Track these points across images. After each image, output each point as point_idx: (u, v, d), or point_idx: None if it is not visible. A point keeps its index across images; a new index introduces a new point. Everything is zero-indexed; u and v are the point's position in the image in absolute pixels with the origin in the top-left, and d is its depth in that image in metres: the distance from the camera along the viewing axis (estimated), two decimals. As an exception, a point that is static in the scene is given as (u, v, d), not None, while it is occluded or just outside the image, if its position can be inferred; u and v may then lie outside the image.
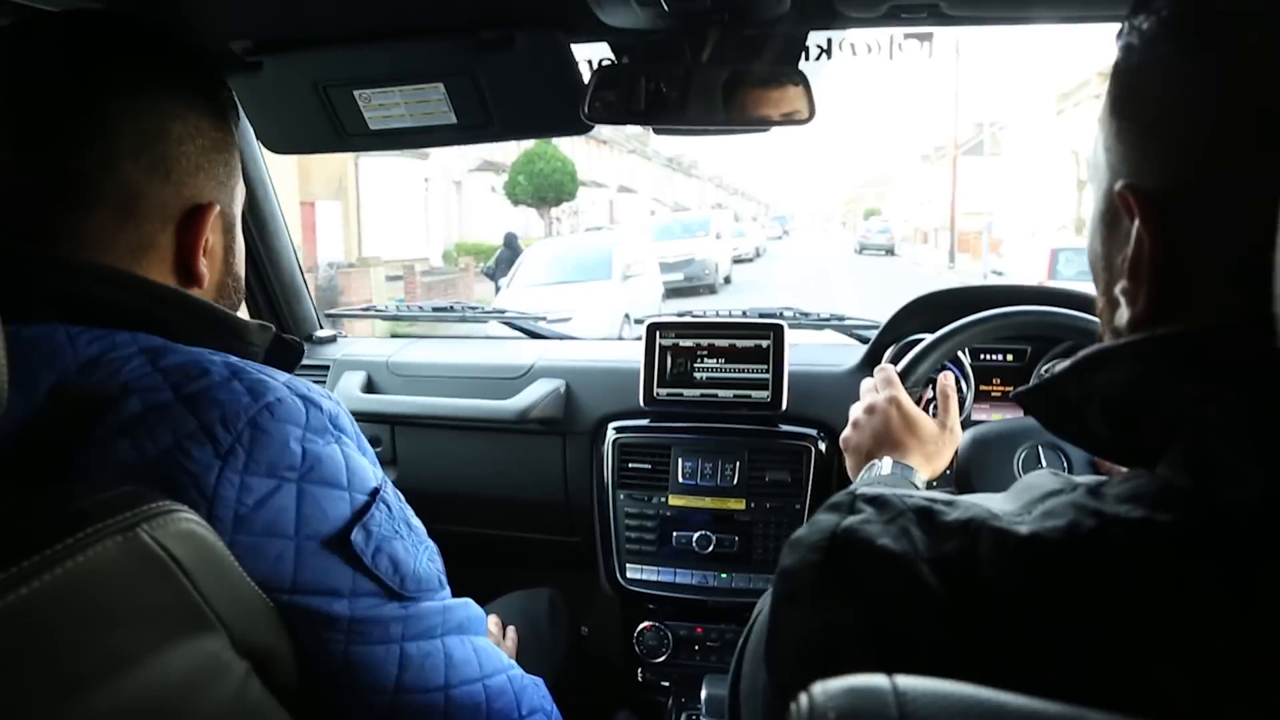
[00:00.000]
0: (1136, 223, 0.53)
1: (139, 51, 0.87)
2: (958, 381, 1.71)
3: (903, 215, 59.58)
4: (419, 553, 0.88)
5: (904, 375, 1.36)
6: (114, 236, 0.84)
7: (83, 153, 0.82)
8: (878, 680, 0.42)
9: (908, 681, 0.42)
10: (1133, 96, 0.55)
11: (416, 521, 0.91)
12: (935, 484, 1.28)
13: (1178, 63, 0.51)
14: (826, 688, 0.42)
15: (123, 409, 0.74)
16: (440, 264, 23.28)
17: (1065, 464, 1.31)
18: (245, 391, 0.78)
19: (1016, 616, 0.47)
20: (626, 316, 11.08)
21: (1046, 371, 0.60)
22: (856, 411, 1.29)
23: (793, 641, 0.55)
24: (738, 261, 28.06)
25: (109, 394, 0.74)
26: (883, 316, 1.93)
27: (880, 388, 1.29)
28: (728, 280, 22.91)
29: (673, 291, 18.19)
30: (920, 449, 1.22)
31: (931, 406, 1.33)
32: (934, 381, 1.36)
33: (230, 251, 0.98)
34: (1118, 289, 0.56)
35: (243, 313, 1.99)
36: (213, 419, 0.75)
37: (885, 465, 1.18)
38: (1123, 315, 0.55)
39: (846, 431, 1.29)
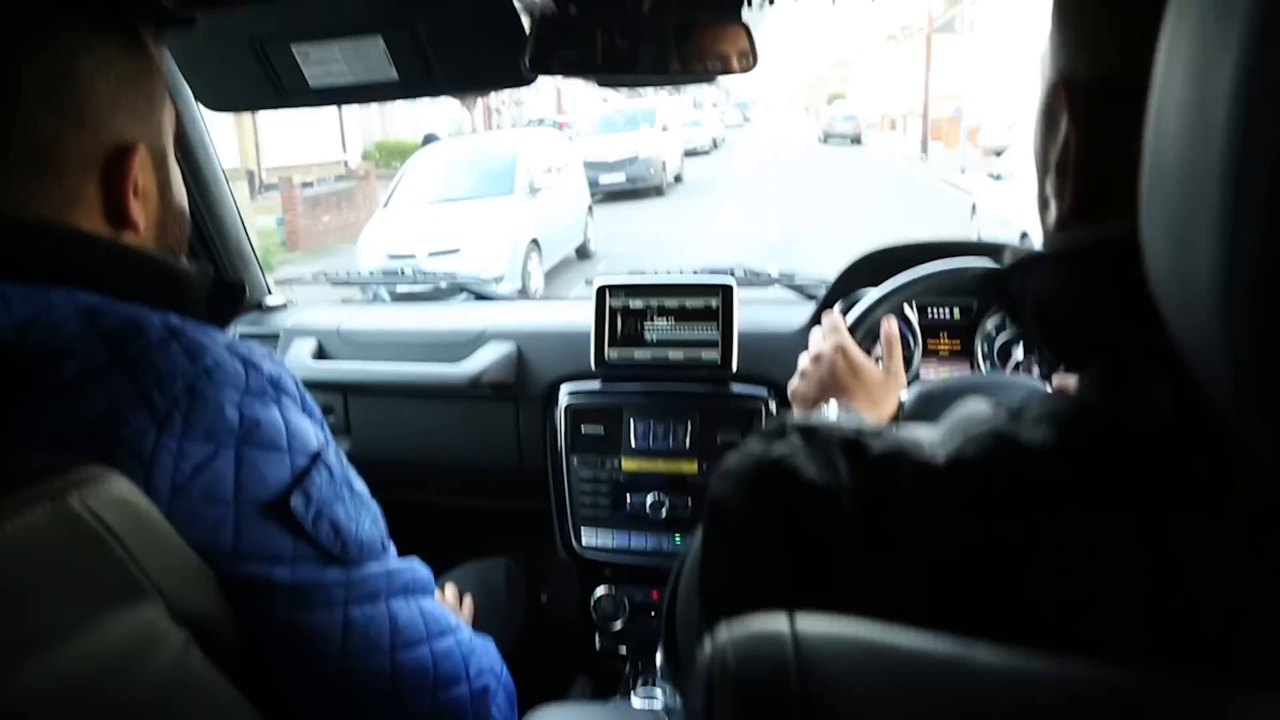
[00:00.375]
0: (1065, 117, 0.53)
1: None
2: (904, 337, 1.72)
3: (868, 100, 55.95)
4: (361, 516, 0.86)
5: (852, 328, 1.37)
6: (34, 193, 0.79)
7: None
8: (777, 623, 0.43)
9: (807, 624, 0.43)
10: None
11: (360, 484, 0.89)
12: None
13: None
14: (731, 630, 0.44)
15: (58, 373, 0.71)
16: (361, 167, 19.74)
17: None
18: (183, 354, 0.75)
19: (930, 541, 0.48)
20: (535, 244, 9.30)
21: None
22: (804, 361, 1.29)
23: (722, 570, 0.56)
24: (691, 155, 25.61)
25: (44, 357, 0.72)
26: (845, 246, 1.97)
27: (827, 335, 1.29)
28: (678, 179, 20.42)
29: (613, 196, 16.55)
30: (866, 394, 1.22)
31: (878, 358, 1.33)
32: (906, 320, 1.35)
33: (166, 187, 0.92)
34: (1049, 186, 0.56)
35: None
36: (149, 383, 0.73)
37: (831, 410, 1.18)
38: (1051, 214, 0.56)
39: (794, 381, 1.29)
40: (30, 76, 0.78)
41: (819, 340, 1.30)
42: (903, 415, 1.29)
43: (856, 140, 37.34)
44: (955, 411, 0.60)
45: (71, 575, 0.61)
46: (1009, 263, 0.58)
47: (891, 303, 1.43)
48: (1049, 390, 0.56)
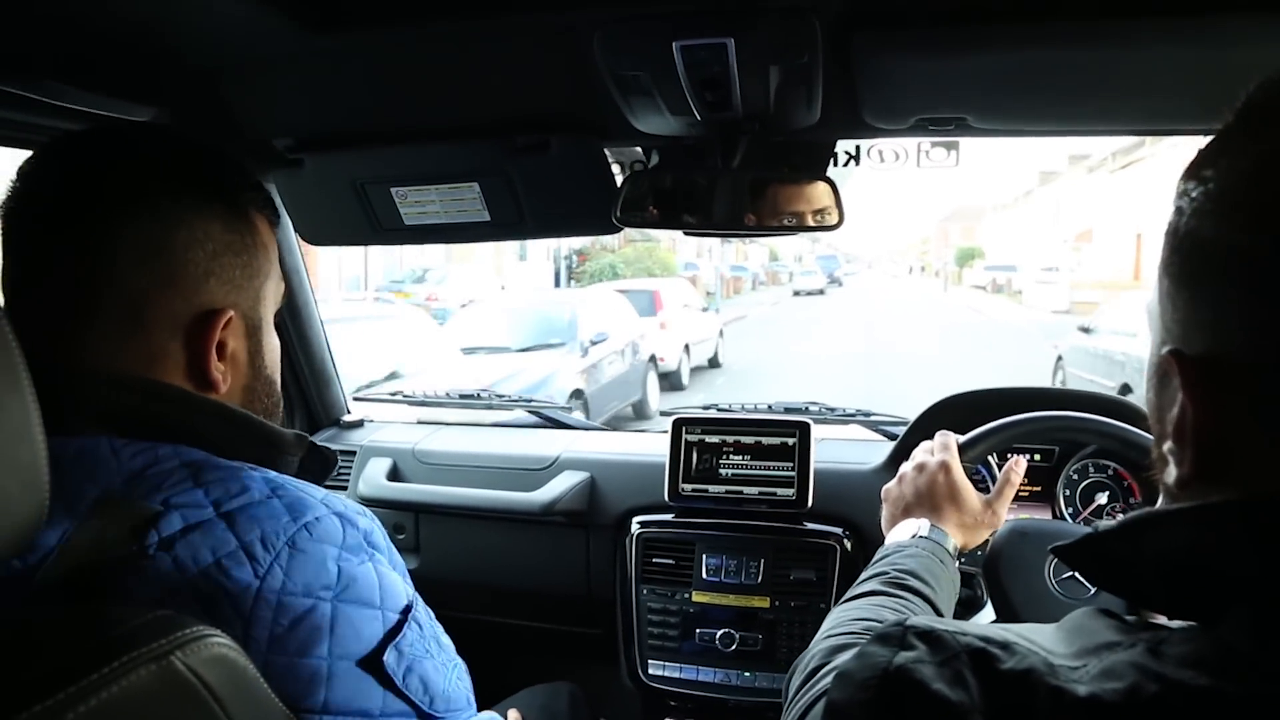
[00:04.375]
0: (1180, 387, 0.52)
1: (141, 162, 0.87)
2: (985, 480, 1.69)
3: (1032, 258, 35.35)
4: (449, 671, 0.87)
5: (963, 448, 1.36)
6: (123, 346, 0.83)
7: (84, 266, 0.82)
8: None
9: None
10: (1180, 262, 0.54)
11: (446, 639, 0.91)
12: (964, 559, 1.28)
13: (1221, 238, 0.50)
14: None
15: (165, 525, 0.74)
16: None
17: None
18: (285, 510, 0.78)
19: None
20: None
21: (1090, 525, 0.58)
22: (906, 466, 1.30)
23: None
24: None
25: (153, 509, 0.75)
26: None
27: (936, 451, 1.30)
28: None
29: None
30: (958, 518, 1.22)
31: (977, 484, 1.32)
32: (987, 465, 1.31)
33: (257, 355, 0.95)
34: (1165, 447, 0.55)
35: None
36: (253, 539, 0.75)
37: (923, 525, 1.18)
38: (1170, 472, 0.55)
39: (890, 483, 1.31)
40: (128, 242, 0.83)
41: (926, 453, 1.31)
42: (990, 547, 1.28)
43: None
44: (1069, 621, 0.57)
45: None
46: (1117, 525, 0.55)
47: (1009, 434, 1.42)
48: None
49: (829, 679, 0.58)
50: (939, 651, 0.53)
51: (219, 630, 0.67)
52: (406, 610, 0.84)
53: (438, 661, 0.86)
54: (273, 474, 0.82)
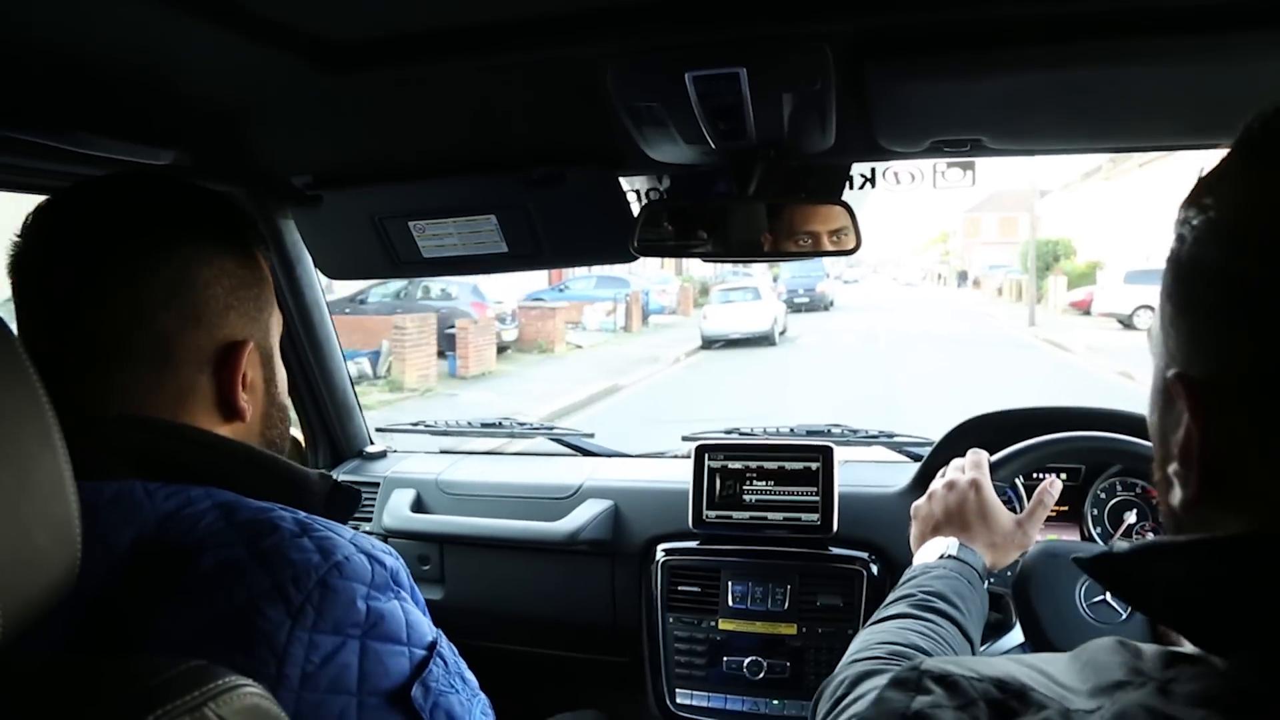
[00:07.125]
0: (1185, 410, 0.52)
1: (163, 206, 0.90)
2: (1010, 502, 1.68)
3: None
4: (473, 707, 0.88)
5: (995, 467, 1.36)
6: (154, 386, 0.86)
7: (114, 311, 0.85)
8: None
9: None
10: (1183, 289, 0.54)
11: (469, 675, 0.91)
12: (993, 579, 1.27)
13: (1224, 267, 0.50)
14: None
15: (199, 564, 0.75)
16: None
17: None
18: (315, 550, 0.79)
19: None
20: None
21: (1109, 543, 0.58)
22: (937, 484, 1.31)
23: None
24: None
25: (186, 549, 0.76)
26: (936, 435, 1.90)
27: (968, 468, 1.31)
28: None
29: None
30: (987, 537, 1.22)
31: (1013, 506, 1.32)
32: (1014, 486, 1.33)
33: (271, 383, 0.99)
34: (1170, 469, 0.55)
35: (295, 431, 2.04)
36: (285, 578, 0.76)
37: (951, 545, 1.18)
38: (1175, 495, 0.54)
39: (920, 500, 1.31)
40: (154, 284, 0.86)
41: (958, 470, 1.31)
42: (1020, 568, 1.27)
43: None
44: (1083, 653, 0.56)
45: None
46: (1128, 550, 0.55)
47: (1041, 454, 1.43)
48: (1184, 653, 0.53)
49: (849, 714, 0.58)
50: (956, 697, 0.52)
51: (250, 680, 0.67)
52: (431, 646, 0.85)
53: (462, 697, 0.87)
54: (301, 514, 0.84)
